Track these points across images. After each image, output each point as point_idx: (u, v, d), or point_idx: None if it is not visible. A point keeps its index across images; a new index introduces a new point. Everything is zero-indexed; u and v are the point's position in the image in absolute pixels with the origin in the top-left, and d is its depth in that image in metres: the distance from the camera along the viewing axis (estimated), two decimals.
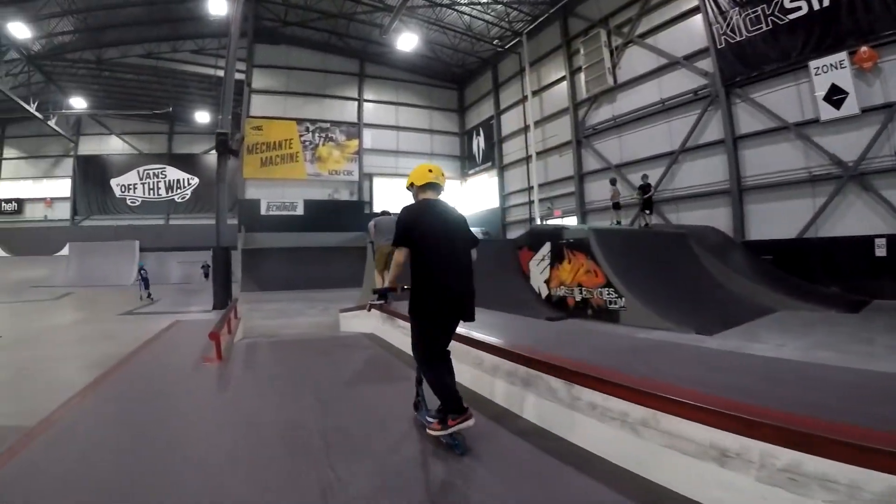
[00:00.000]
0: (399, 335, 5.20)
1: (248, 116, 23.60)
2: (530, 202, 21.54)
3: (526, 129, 21.82)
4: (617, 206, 14.06)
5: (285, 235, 21.05)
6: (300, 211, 23.49)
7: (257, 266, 19.79)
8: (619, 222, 14.20)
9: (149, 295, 16.16)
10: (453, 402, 2.51)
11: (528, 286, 11.42)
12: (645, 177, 13.37)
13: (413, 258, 2.67)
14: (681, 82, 15.12)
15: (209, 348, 4.77)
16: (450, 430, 2.46)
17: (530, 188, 21.35)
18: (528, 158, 21.73)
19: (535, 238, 11.67)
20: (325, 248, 20.37)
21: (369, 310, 6.46)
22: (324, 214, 23.27)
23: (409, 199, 3.15)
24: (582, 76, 18.50)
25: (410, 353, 2.90)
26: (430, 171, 3.05)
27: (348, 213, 23.69)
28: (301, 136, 24.30)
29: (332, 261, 19.44)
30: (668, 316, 8.18)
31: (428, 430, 2.57)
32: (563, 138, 20.07)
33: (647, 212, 13.45)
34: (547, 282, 10.97)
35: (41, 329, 9.80)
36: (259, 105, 24.23)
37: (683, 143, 15.00)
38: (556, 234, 10.97)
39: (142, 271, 17.21)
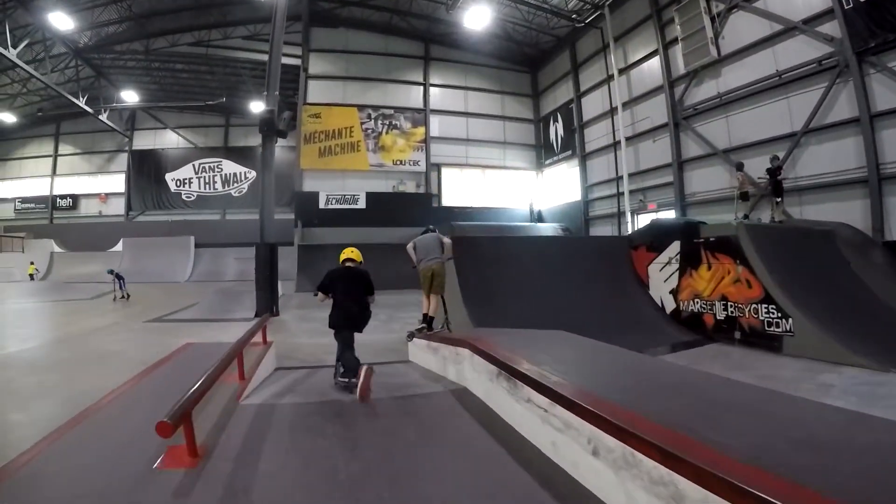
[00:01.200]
0: (511, 402, 3.47)
1: (304, 103, 24.91)
2: (619, 194, 21.32)
3: (612, 111, 21.72)
4: (745, 196, 13.14)
5: (346, 231, 21.80)
6: (362, 204, 24.44)
7: (315, 264, 20.43)
8: (746, 216, 12.89)
9: (125, 296, 17.22)
10: (353, 370, 4.67)
11: (647, 297, 10.01)
12: (775, 158, 12.57)
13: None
14: (800, 51, 14.36)
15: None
16: (352, 381, 4.58)
17: (618, 178, 21.18)
18: (615, 145, 21.63)
19: (658, 234, 10.20)
20: (390, 245, 20.61)
21: (410, 339, 6.92)
22: (388, 208, 24.08)
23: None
24: (678, 49, 18.09)
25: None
26: (351, 251, 5.74)
27: (415, 206, 24.44)
28: (363, 123, 25.27)
29: (398, 259, 19.54)
30: (853, 346, 6.65)
31: (337, 380, 4.97)
32: (658, 121, 19.64)
33: (778, 200, 12.39)
34: (674, 292, 9.55)
35: (42, 342, 9.21)
36: (317, 91, 25.47)
37: (807, 123, 14.16)
38: (689, 230, 9.67)
39: (114, 273, 17.96)
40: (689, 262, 9.34)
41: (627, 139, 20.64)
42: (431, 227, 7.99)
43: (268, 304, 12.39)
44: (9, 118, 34.42)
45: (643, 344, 7.32)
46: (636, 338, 7.25)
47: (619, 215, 21.10)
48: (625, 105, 20.88)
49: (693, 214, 17.56)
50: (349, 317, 5.31)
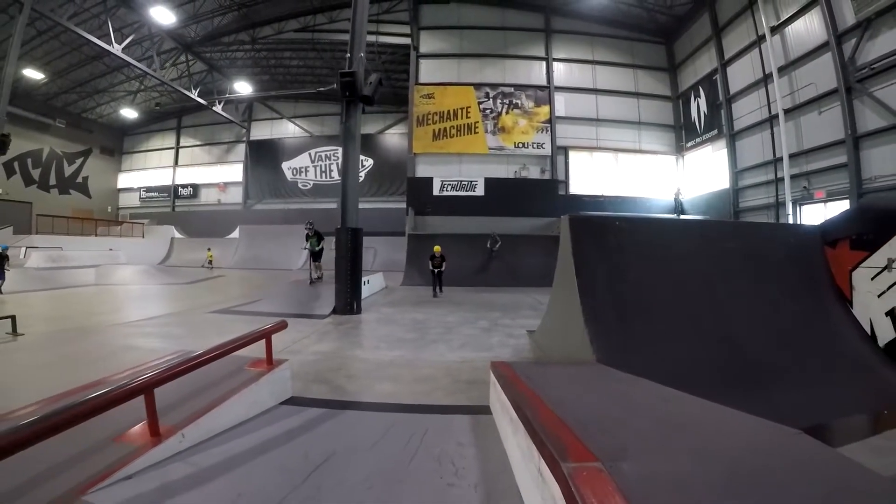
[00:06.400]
0: None
1: (416, 84, 25.74)
2: (776, 180, 19.80)
3: (765, 79, 20.25)
4: None
5: (462, 220, 22.01)
6: (480, 191, 24.65)
7: (427, 255, 20.69)
8: None
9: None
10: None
11: (849, 318, 7.04)
12: None
13: None
14: None
15: None
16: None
17: (776, 161, 19.69)
18: (770, 120, 20.17)
19: (873, 222, 7.17)
20: (511, 237, 20.51)
21: None
22: (509, 196, 24.14)
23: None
24: None
25: None
26: (437, 249, 15.97)
27: (539, 194, 24.32)
28: (480, 103, 25.51)
29: (519, 252, 19.90)
30: None
31: None
32: (824, 87, 17.78)
33: None
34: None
35: (92, 325, 9.99)
36: (429, 71, 26.15)
37: None
38: None
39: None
40: None
41: (786, 112, 19.08)
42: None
43: (347, 299, 11.63)
44: (130, 114, 40.64)
45: (830, 402, 5.12)
46: (822, 390, 5.14)
47: (778, 206, 19.57)
48: (781, 70, 19.34)
49: None
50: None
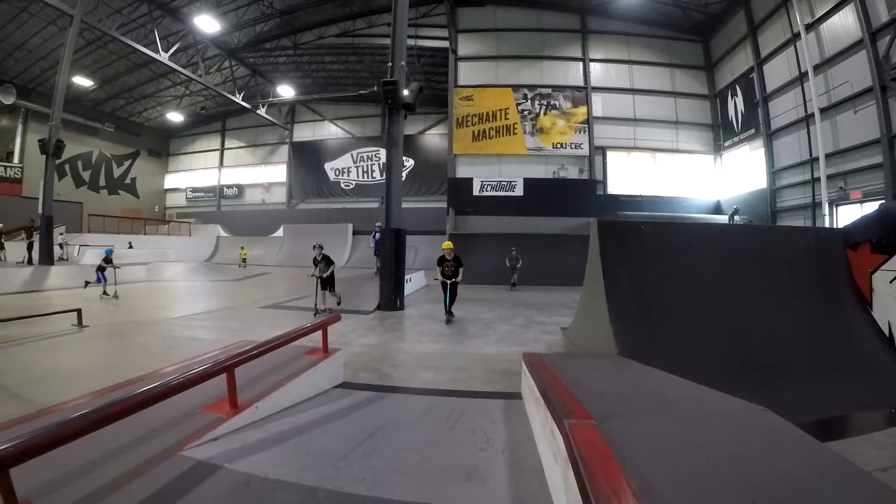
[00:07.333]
0: None
1: (455, 86, 26.56)
2: (813, 180, 19.87)
3: (801, 78, 20.29)
4: None
5: (501, 220, 22.69)
6: (519, 191, 25.26)
7: (466, 254, 21.02)
8: None
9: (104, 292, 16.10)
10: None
11: (868, 320, 7.27)
12: None
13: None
14: None
15: None
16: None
17: (813, 160, 19.78)
18: (807, 119, 20.20)
19: (892, 226, 7.27)
20: (549, 236, 21.16)
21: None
22: (548, 196, 24.66)
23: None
24: None
25: None
26: (446, 245, 11.20)
27: (577, 194, 24.80)
28: (518, 104, 26.09)
29: (556, 252, 20.53)
30: None
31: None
32: (859, 85, 17.82)
33: None
34: None
35: (150, 318, 11.08)
36: (467, 73, 26.90)
37: None
38: None
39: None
40: None
41: (822, 111, 19.09)
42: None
43: (391, 296, 12.61)
44: (177, 118, 43.19)
45: (841, 399, 5.47)
46: (834, 388, 5.48)
47: (814, 206, 19.64)
48: (816, 69, 19.33)
49: None
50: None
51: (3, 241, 24.41)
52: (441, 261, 11.03)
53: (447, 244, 11.37)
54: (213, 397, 4.32)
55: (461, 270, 10.94)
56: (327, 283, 12.07)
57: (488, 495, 3.15)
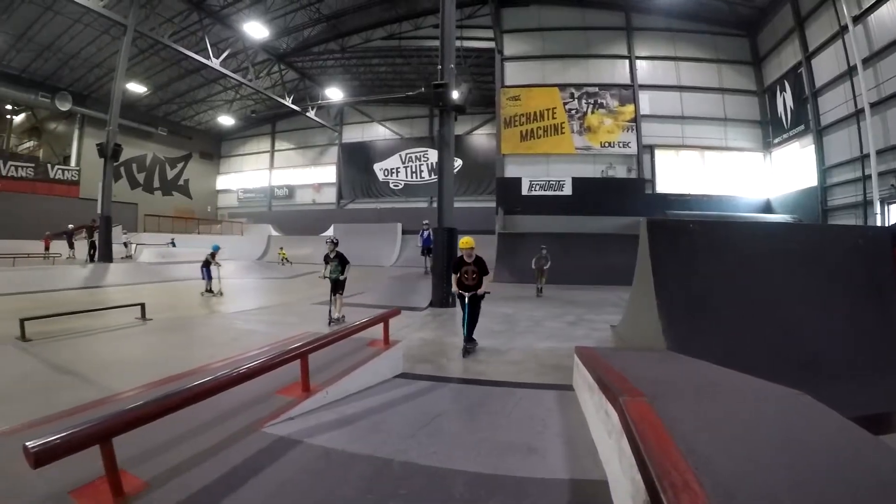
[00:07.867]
0: None
1: (502, 87, 27.01)
2: (864, 178, 19.44)
3: (850, 72, 19.80)
4: None
5: (550, 219, 23.17)
6: (568, 191, 25.50)
7: (515, 253, 21.83)
8: None
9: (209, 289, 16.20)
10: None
11: None
12: None
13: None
14: None
15: None
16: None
17: (863, 157, 19.38)
18: (857, 114, 19.70)
19: None
20: (597, 236, 21.44)
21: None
22: (596, 195, 24.85)
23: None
24: None
25: None
26: (465, 242, 7.89)
27: (626, 193, 24.93)
28: (565, 103, 26.27)
29: (605, 251, 20.77)
30: None
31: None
32: None
33: None
34: None
35: (209, 313, 12.15)
36: (514, 73, 27.29)
37: None
38: None
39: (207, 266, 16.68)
40: None
41: (872, 105, 18.59)
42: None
43: (443, 293, 12.98)
44: (227, 121, 45.28)
45: (885, 395, 5.47)
46: (877, 386, 5.48)
47: (865, 204, 19.20)
48: (865, 62, 18.84)
49: None
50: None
51: (74, 240, 26.10)
52: (458, 265, 7.95)
53: (466, 241, 7.98)
54: (285, 382, 4.81)
55: (485, 280, 7.84)
56: (339, 286, 10.75)
57: (547, 467, 3.54)
